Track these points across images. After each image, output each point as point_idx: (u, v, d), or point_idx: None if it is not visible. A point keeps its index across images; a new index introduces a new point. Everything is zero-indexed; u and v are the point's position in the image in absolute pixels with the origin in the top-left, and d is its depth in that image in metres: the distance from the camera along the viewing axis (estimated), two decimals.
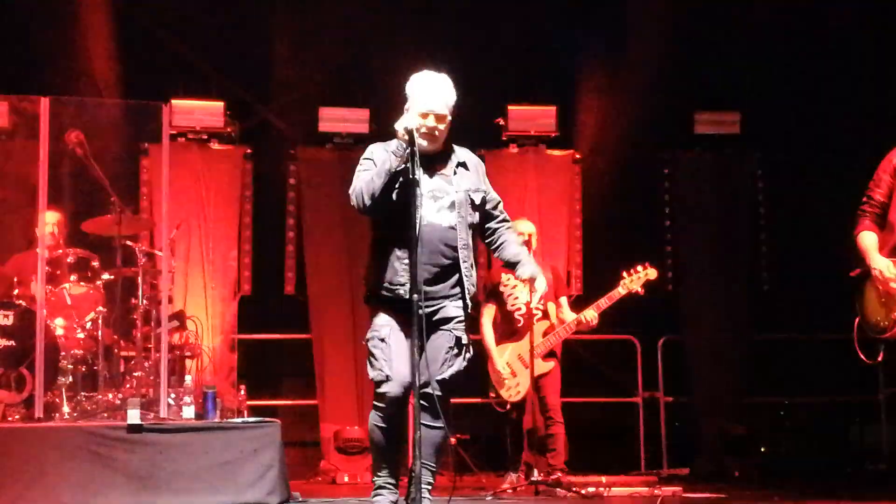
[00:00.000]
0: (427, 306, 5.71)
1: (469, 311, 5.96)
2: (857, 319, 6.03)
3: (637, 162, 11.69)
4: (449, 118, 5.91)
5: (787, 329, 11.55)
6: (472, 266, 5.95)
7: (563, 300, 8.88)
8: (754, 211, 11.59)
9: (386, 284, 5.83)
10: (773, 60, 11.45)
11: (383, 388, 5.81)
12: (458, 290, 5.91)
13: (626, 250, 9.04)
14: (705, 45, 11.49)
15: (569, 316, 8.74)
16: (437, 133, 5.86)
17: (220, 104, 10.81)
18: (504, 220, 6.19)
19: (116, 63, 10.90)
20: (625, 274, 8.72)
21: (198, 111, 10.78)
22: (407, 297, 5.67)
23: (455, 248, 5.86)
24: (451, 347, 5.84)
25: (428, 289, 5.74)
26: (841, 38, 11.40)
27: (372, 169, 5.79)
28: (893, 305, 5.82)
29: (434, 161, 5.91)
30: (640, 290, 8.72)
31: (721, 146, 11.51)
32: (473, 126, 11.02)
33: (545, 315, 8.75)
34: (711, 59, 11.48)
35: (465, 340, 5.90)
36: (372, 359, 5.85)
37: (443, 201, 5.88)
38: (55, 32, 10.71)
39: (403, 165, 5.67)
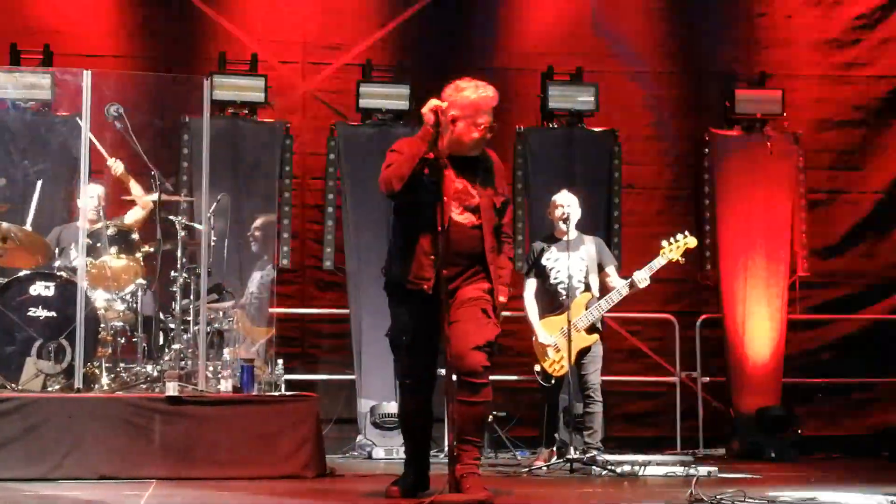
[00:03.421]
0: (451, 289, 5.83)
1: (496, 299, 6.00)
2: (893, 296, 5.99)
3: (676, 139, 11.66)
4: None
5: (826, 309, 11.50)
6: (499, 266, 6.04)
7: (611, 269, 8.86)
8: (794, 192, 11.51)
9: (411, 278, 5.90)
10: (811, 37, 11.41)
11: (408, 383, 6.05)
12: (482, 274, 5.98)
13: (665, 229, 9.00)
14: (743, 20, 11.44)
15: (618, 282, 8.72)
16: (485, 141, 5.97)
17: (261, 78, 10.83)
18: (504, 235, 6.22)
19: (159, 36, 10.95)
20: (664, 243, 8.70)
21: (239, 85, 10.81)
22: (431, 292, 5.77)
23: (481, 250, 5.96)
24: (479, 318, 5.88)
25: (451, 283, 5.84)
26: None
27: (399, 158, 5.90)
28: None
29: (463, 164, 6.00)
30: (680, 258, 8.70)
31: (761, 125, 11.43)
32: (515, 103, 11.11)
33: (587, 288, 8.74)
34: (751, 35, 11.43)
35: (490, 312, 5.94)
36: (395, 356, 6.08)
37: (467, 204, 5.97)
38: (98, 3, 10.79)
39: (430, 151, 5.79)
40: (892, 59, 11.67)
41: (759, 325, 11.20)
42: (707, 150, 11.53)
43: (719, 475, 8.02)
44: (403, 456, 6.42)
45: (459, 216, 5.91)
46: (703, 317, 11.31)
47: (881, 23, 11.76)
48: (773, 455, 10.36)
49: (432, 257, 5.80)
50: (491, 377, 5.95)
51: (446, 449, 5.64)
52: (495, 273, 5.99)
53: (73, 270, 8.33)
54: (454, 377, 5.76)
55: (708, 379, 11.26)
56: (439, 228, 5.68)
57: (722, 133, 11.52)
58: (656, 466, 8.27)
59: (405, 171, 5.82)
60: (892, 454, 10.31)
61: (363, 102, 10.95)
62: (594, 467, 8.10)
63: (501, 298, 6.02)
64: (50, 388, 7.83)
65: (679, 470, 8.18)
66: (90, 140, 8.21)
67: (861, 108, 11.73)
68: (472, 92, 5.93)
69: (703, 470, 8.12)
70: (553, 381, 8.70)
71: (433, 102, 5.83)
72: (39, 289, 8.12)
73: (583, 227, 9.01)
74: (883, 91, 11.72)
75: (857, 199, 11.60)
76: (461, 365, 5.76)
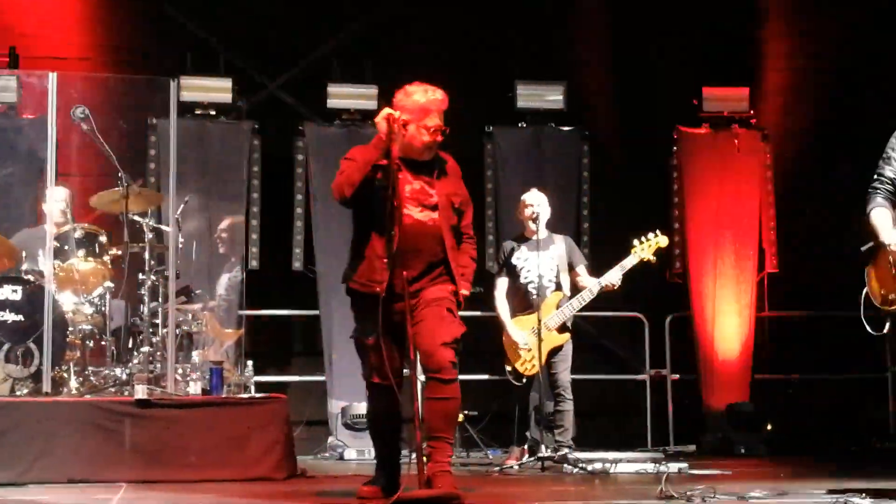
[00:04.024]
0: (414, 290, 5.85)
1: (459, 300, 6.01)
2: (864, 291, 6.03)
3: (645, 139, 11.69)
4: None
5: (794, 307, 11.56)
6: (459, 265, 6.04)
7: (581, 268, 8.87)
8: (763, 189, 11.57)
9: (364, 280, 5.92)
10: (781, 35, 11.44)
11: (374, 384, 6.04)
12: (446, 276, 5.99)
13: (634, 228, 9.02)
14: (711, 20, 11.48)
15: (589, 282, 8.73)
16: (436, 144, 5.99)
17: (228, 80, 10.80)
18: (466, 236, 6.23)
19: (125, 38, 10.90)
20: (636, 242, 8.73)
21: (206, 86, 10.77)
22: (384, 295, 5.78)
23: (443, 248, 5.96)
24: (444, 316, 5.89)
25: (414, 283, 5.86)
26: (851, 11, 11.38)
27: (351, 165, 5.94)
28: None
29: (419, 166, 6.02)
30: (651, 257, 8.72)
31: (729, 123, 11.49)
32: (484, 102, 11.12)
33: (558, 287, 8.75)
34: (718, 35, 11.47)
35: (455, 312, 5.95)
36: (362, 358, 6.07)
37: (426, 202, 5.98)
38: (64, 6, 10.73)
39: (383, 158, 5.83)
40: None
41: (729, 322, 11.26)
42: (675, 147, 11.58)
43: (690, 472, 8.04)
44: (374, 457, 6.41)
45: (419, 214, 5.94)
46: (673, 315, 11.35)
47: None
48: (742, 451, 10.43)
49: (385, 260, 5.82)
50: (462, 376, 5.96)
51: (415, 448, 5.62)
52: (458, 271, 6.00)
53: (41, 274, 8.27)
54: (423, 375, 5.78)
55: (678, 376, 11.32)
56: (392, 233, 5.71)
57: (690, 131, 11.56)
58: (627, 464, 8.29)
59: (356, 178, 5.87)
60: (862, 449, 10.40)
61: (331, 103, 10.94)
62: (565, 465, 8.11)
63: (464, 292, 6.03)
64: (18, 393, 7.78)
65: (650, 467, 8.20)
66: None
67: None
68: (421, 95, 5.98)
69: (673, 467, 8.14)
70: (524, 381, 8.71)
71: (386, 111, 5.91)
72: (7, 293, 8.07)
73: (552, 226, 9.02)
74: None
75: (827, 196, 11.64)
76: (430, 362, 5.80)
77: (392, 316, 5.80)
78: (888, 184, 6.02)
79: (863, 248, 6.07)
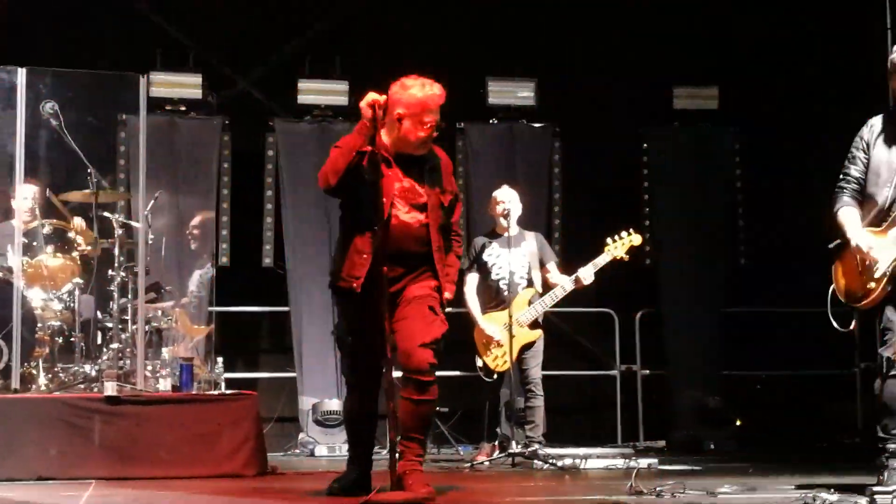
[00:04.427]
0: (397, 288, 5.81)
1: (443, 296, 5.99)
2: (831, 288, 6.07)
3: (616, 136, 11.72)
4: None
5: (763, 303, 11.61)
6: (446, 265, 6.02)
7: (552, 265, 8.88)
8: (731, 186, 11.63)
9: (344, 275, 5.87)
10: (750, 33, 11.48)
11: (353, 381, 6.06)
12: (429, 273, 5.96)
13: (605, 225, 9.05)
14: (683, 19, 11.51)
15: (560, 279, 8.74)
16: (431, 139, 5.91)
17: (198, 76, 10.77)
18: (454, 234, 6.22)
19: (95, 34, 10.84)
20: (609, 240, 8.75)
21: (176, 82, 10.74)
22: (360, 290, 5.75)
23: (428, 250, 5.91)
24: (426, 315, 5.86)
25: (393, 283, 5.81)
26: (820, 11, 11.42)
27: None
28: (869, 277, 5.86)
29: (410, 162, 5.93)
30: (625, 256, 8.74)
31: (699, 121, 11.55)
32: (455, 99, 11.10)
33: (530, 283, 8.77)
34: (687, 33, 11.50)
35: (437, 310, 5.92)
36: (342, 354, 6.13)
37: (414, 202, 5.91)
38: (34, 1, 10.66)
39: (368, 145, 5.72)
40: None
41: (698, 318, 11.31)
42: (645, 144, 11.62)
43: (659, 467, 8.08)
44: (346, 453, 6.40)
45: (406, 215, 5.86)
46: (643, 311, 11.40)
47: None
48: (712, 447, 10.47)
49: (365, 256, 5.77)
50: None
51: (388, 446, 5.62)
52: (442, 271, 5.97)
53: (10, 270, 8.23)
54: (401, 374, 5.76)
55: (648, 372, 11.36)
56: (375, 227, 5.66)
57: (660, 128, 11.61)
58: (597, 459, 8.32)
59: (340, 165, 5.77)
60: (829, 445, 10.47)
61: (302, 98, 10.92)
62: (536, 461, 8.13)
63: (447, 294, 6.00)
64: None
65: (620, 462, 8.23)
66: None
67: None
68: (419, 90, 5.83)
69: (643, 462, 8.18)
70: (495, 377, 8.72)
71: (371, 96, 5.74)
72: None
73: (524, 222, 9.03)
74: None
75: (795, 192, 11.69)
76: (408, 363, 5.75)
77: (373, 313, 5.74)
78: (854, 183, 6.06)
79: (830, 246, 6.11)
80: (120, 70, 9.22)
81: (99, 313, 8.77)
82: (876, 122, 6.09)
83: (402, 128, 5.83)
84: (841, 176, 6.12)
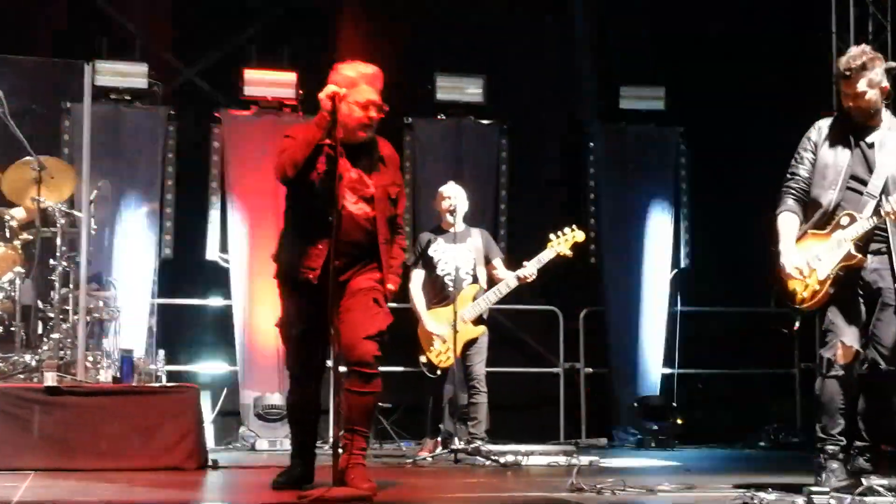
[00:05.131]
0: (342, 280, 5.74)
1: (386, 289, 5.98)
2: (776, 289, 6.13)
3: (562, 134, 11.76)
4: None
5: (705, 302, 11.68)
6: (391, 257, 5.99)
7: (498, 261, 8.89)
8: (676, 185, 11.71)
9: (301, 267, 5.83)
10: (698, 35, 11.55)
11: (296, 374, 5.99)
12: (374, 265, 5.93)
13: (550, 223, 9.07)
14: (628, 20, 11.57)
15: (505, 274, 8.75)
16: (374, 124, 5.85)
17: (143, 65, 10.69)
18: (398, 226, 6.18)
19: (40, 21, 10.72)
20: (552, 236, 8.77)
21: (121, 71, 10.65)
22: (316, 282, 5.70)
23: (374, 241, 5.89)
24: (370, 307, 5.84)
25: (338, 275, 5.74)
26: (767, 13, 11.52)
27: (293, 144, 5.79)
28: (813, 277, 5.91)
29: (357, 153, 5.89)
30: (568, 252, 8.77)
31: (645, 121, 11.61)
32: (404, 94, 11.11)
33: (475, 279, 8.78)
34: (635, 34, 11.56)
35: (381, 302, 5.91)
36: (285, 346, 6.03)
37: (362, 194, 5.88)
38: None
39: (326, 137, 5.67)
40: None
41: (642, 316, 11.38)
42: (592, 143, 11.68)
43: (601, 464, 8.11)
44: (287, 447, 6.40)
45: (353, 206, 5.82)
46: (587, 309, 11.44)
47: None
48: (653, 445, 10.54)
49: (321, 247, 5.74)
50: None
51: (331, 440, 5.60)
52: (387, 263, 5.95)
53: None
54: (343, 367, 5.74)
55: (591, 370, 11.41)
56: (330, 217, 5.59)
57: (605, 127, 11.67)
58: (539, 456, 8.34)
59: (299, 157, 5.72)
60: (770, 443, 10.58)
61: (248, 90, 10.86)
62: (478, 458, 8.13)
63: (390, 286, 5.98)
64: None
65: (561, 459, 8.26)
66: None
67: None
68: (351, 70, 5.80)
69: (584, 459, 8.21)
70: (438, 372, 8.72)
71: (330, 88, 5.67)
72: None
73: (470, 219, 9.04)
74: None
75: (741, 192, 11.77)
76: (352, 355, 5.72)
77: (318, 305, 5.72)
78: (801, 184, 6.11)
79: (773, 249, 6.16)
80: (65, 58, 9.14)
81: (40, 302, 8.69)
82: (823, 125, 6.15)
83: (340, 112, 5.74)
84: (788, 176, 6.17)
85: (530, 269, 8.67)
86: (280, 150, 5.81)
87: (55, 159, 8.81)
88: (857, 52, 5.95)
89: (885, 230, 5.88)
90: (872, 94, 5.93)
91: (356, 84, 5.78)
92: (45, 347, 8.27)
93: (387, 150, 6.04)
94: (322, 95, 5.68)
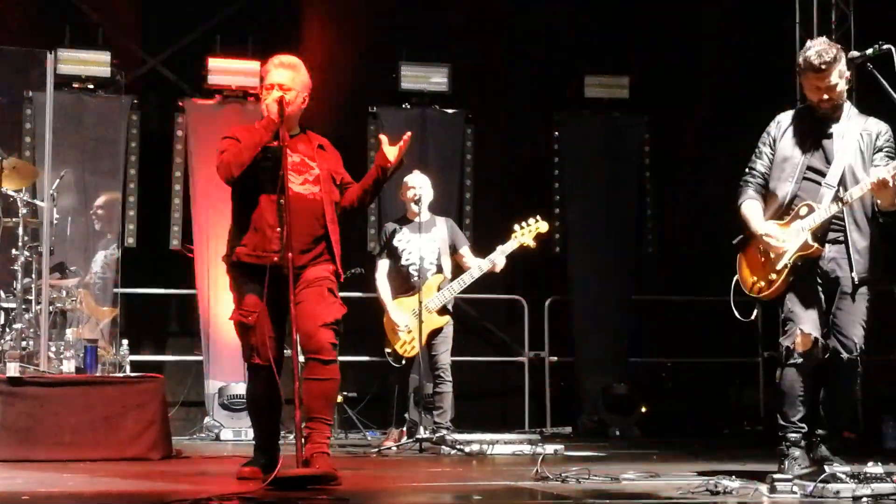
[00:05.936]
0: (296, 270, 5.74)
1: (340, 279, 6.01)
2: (735, 278, 6.18)
3: (527, 123, 11.77)
4: (301, 97, 6.00)
5: (670, 292, 11.74)
6: (338, 241, 6.03)
7: (465, 249, 8.89)
8: (640, 174, 11.75)
9: (258, 252, 5.84)
10: (662, 24, 11.59)
11: (255, 365, 5.95)
12: (327, 256, 5.97)
13: (515, 212, 9.08)
14: (593, 9, 11.58)
15: (473, 262, 8.75)
16: (287, 106, 5.89)
17: (106, 53, 10.61)
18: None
19: (2, 8, 10.63)
20: (516, 227, 8.78)
21: (84, 60, 10.58)
22: (280, 263, 5.70)
23: (324, 222, 5.94)
24: (325, 297, 5.87)
25: (299, 257, 5.80)
26: (732, 4, 11.57)
27: (236, 145, 5.89)
28: (771, 268, 5.97)
29: (295, 144, 6.01)
30: (532, 243, 8.78)
31: (610, 110, 11.64)
32: (368, 83, 11.10)
33: (440, 269, 8.77)
34: (599, 23, 11.58)
35: (336, 292, 5.94)
36: (242, 339, 5.98)
37: (307, 175, 5.96)
38: None
39: (273, 139, 5.81)
40: None
41: (606, 305, 11.40)
42: (556, 132, 11.69)
43: (565, 453, 8.13)
44: (252, 438, 6.37)
45: (299, 187, 5.91)
46: (552, 298, 11.47)
47: None
48: (617, 433, 10.58)
49: (278, 229, 5.76)
50: (341, 357, 5.95)
51: (294, 430, 5.59)
52: (338, 249, 5.98)
53: None
54: (302, 356, 5.74)
55: (556, 359, 11.44)
56: (281, 201, 5.67)
57: (570, 116, 11.69)
58: (504, 445, 8.34)
59: (245, 158, 5.83)
60: (733, 432, 10.64)
61: (212, 79, 10.80)
62: (443, 447, 8.14)
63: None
64: None
65: (526, 448, 8.26)
66: None
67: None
68: (269, 63, 6.03)
69: (549, 448, 8.22)
70: (404, 362, 8.72)
71: (277, 93, 5.87)
72: None
73: (435, 208, 9.03)
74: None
75: (704, 181, 11.82)
76: (309, 343, 5.77)
77: (274, 292, 5.72)
78: (759, 177, 6.16)
79: (735, 242, 6.21)
80: (27, 46, 9.07)
81: (2, 293, 8.62)
82: (784, 119, 6.19)
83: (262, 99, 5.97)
84: (746, 170, 6.22)
85: (498, 259, 8.67)
86: (221, 149, 5.90)
87: (14, 159, 8.71)
88: (826, 45, 5.96)
89: (843, 220, 5.93)
90: (842, 85, 5.97)
91: (265, 72, 6.02)
92: (8, 338, 8.21)
93: (325, 141, 6.19)
94: (269, 101, 5.89)
